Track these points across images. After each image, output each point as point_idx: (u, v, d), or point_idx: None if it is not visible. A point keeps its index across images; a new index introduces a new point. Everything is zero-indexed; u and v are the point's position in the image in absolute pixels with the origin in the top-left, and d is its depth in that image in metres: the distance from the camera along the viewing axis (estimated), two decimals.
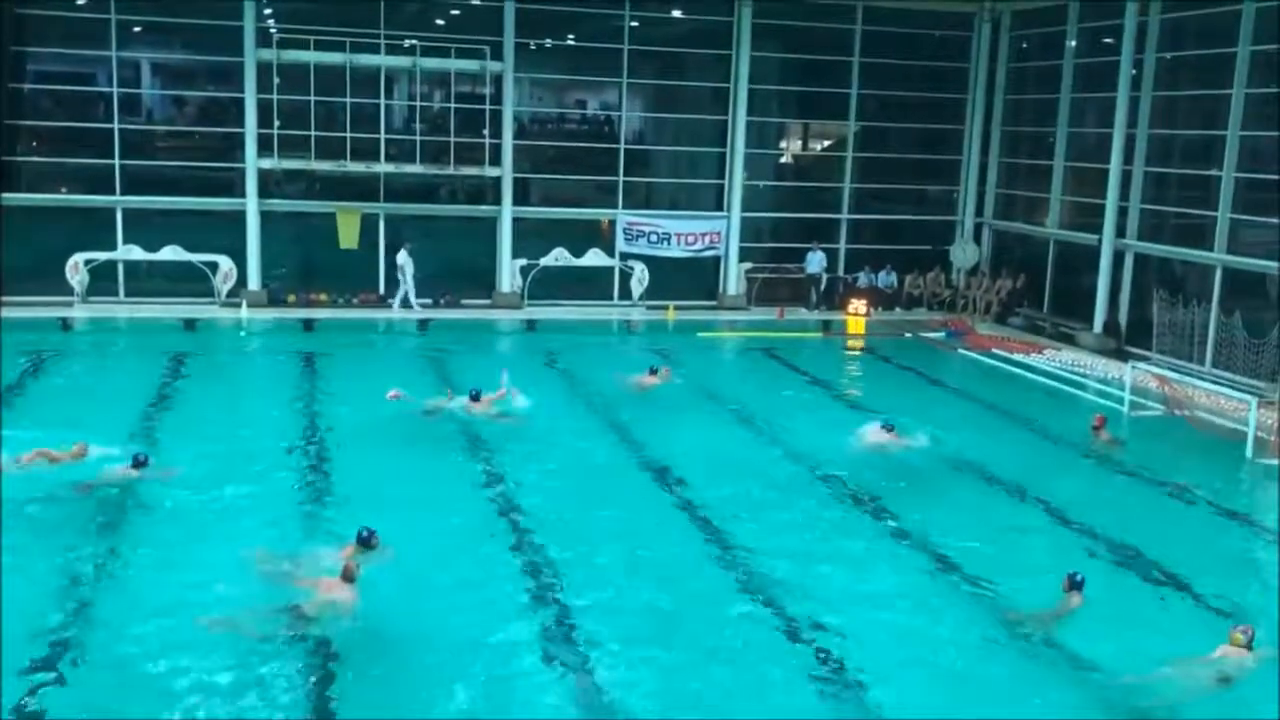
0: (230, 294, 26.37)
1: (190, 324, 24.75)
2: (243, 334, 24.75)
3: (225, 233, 26.48)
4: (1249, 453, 17.18)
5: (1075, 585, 11.64)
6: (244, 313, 25.57)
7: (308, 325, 25.19)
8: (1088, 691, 10.16)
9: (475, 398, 17.54)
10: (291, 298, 26.72)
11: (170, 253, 26.11)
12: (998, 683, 10.29)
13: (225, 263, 26.44)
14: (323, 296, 26.95)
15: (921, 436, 17.02)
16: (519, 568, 12.24)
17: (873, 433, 17.10)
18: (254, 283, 26.74)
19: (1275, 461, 16.95)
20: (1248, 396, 18.15)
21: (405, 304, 26.63)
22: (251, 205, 26.59)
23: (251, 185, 26.52)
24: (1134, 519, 14.15)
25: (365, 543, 11.75)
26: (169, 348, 21.90)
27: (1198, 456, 17.37)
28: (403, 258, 26.55)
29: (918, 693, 10.00)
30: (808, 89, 30.37)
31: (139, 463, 14.14)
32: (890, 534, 13.76)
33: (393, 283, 27.36)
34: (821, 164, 31.21)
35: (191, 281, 26.26)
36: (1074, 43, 27.45)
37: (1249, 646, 10.42)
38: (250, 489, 14.19)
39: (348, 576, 10.83)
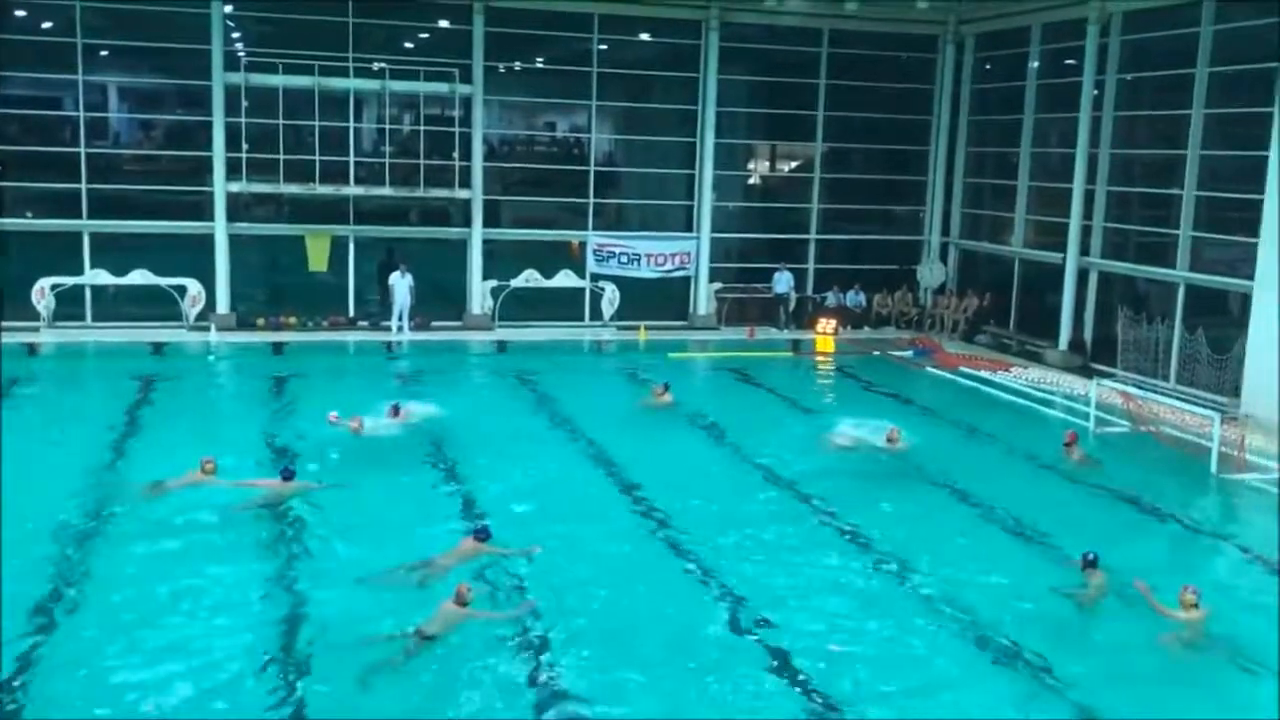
0: (199, 318, 26.24)
1: (158, 348, 24.59)
2: (211, 358, 24.62)
3: (193, 256, 26.35)
4: (1213, 468, 17.40)
5: (1090, 564, 12.47)
6: (213, 336, 25.45)
7: (277, 349, 25.09)
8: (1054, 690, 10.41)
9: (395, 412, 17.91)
10: (260, 321, 26.60)
11: (138, 277, 25.96)
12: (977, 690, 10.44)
13: (194, 286, 26.31)
14: (292, 320, 26.84)
15: (883, 437, 17.45)
16: (489, 574, 12.34)
17: (841, 436, 17.47)
18: (223, 306, 26.63)
19: (1240, 476, 17.19)
20: (1212, 412, 18.39)
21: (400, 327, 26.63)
22: (220, 229, 26.50)
23: (220, 208, 26.43)
24: (1099, 533, 14.22)
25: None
26: (137, 372, 21.76)
27: (1163, 472, 17.56)
28: (395, 278, 26.52)
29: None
30: (775, 111, 30.65)
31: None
32: (855, 547, 13.88)
33: (362, 304, 27.37)
34: (789, 185, 31.45)
35: (159, 305, 26.12)
36: (1037, 64, 27.84)
37: (1198, 605, 11.44)
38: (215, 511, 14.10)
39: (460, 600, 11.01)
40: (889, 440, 17.74)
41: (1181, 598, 11.55)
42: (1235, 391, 20.99)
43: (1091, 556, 12.60)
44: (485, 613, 11.24)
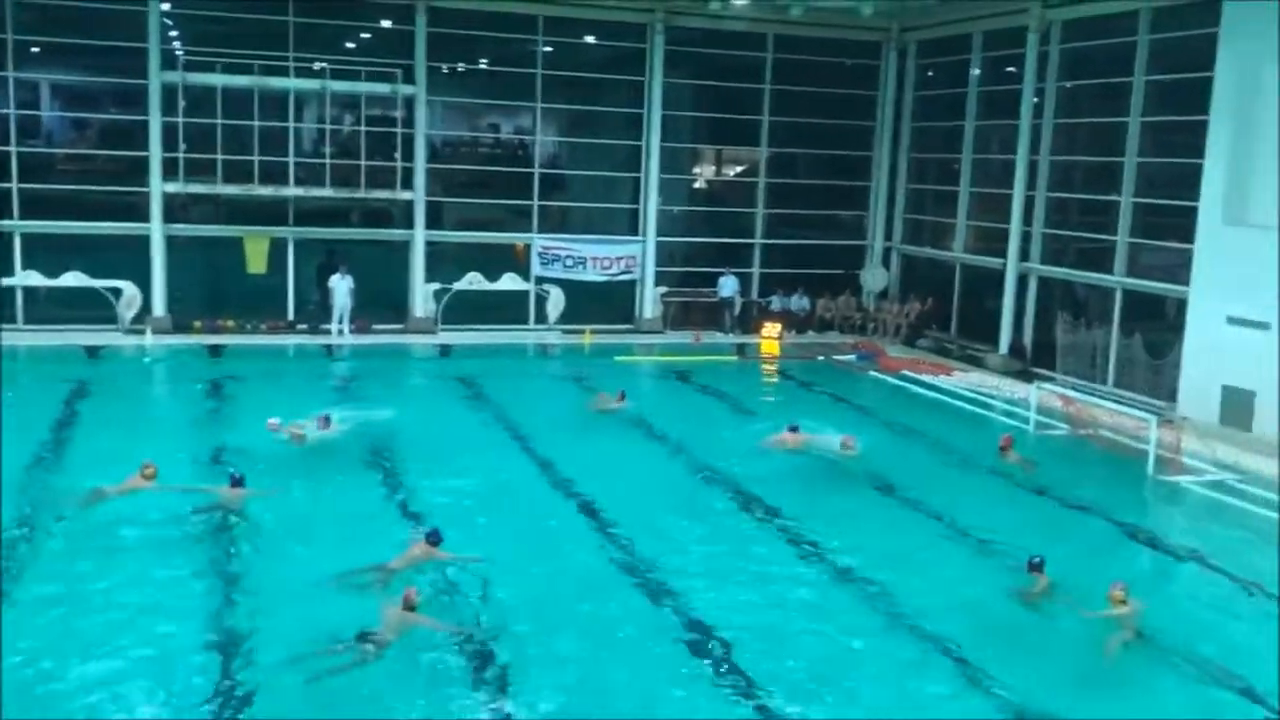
0: (135, 320, 25.75)
1: (93, 351, 24.07)
2: (147, 361, 24.16)
3: (129, 258, 25.86)
4: (1150, 470, 17.64)
5: (1035, 567, 12.59)
6: (148, 339, 24.98)
7: (214, 352, 24.67)
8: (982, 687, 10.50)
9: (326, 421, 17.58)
10: (198, 324, 26.12)
11: (72, 279, 25.41)
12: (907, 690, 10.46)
13: (129, 289, 25.82)
14: (230, 323, 26.40)
15: (831, 438, 17.61)
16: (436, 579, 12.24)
17: (781, 438, 17.60)
18: (159, 309, 26.16)
19: (1176, 478, 17.45)
20: (1148, 415, 18.65)
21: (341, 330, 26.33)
22: (156, 230, 26.04)
23: (156, 209, 25.97)
24: (1038, 533, 14.36)
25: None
26: (70, 376, 21.29)
27: (1101, 474, 17.79)
28: (336, 281, 26.18)
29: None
30: (720, 115, 30.69)
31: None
32: (795, 546, 13.96)
33: (302, 307, 27.04)
34: (735, 189, 31.53)
35: (94, 308, 25.57)
36: (978, 71, 28.15)
37: (1126, 600, 11.63)
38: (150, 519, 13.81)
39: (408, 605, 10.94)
40: (844, 447, 17.76)
41: (1110, 594, 11.76)
42: (1172, 395, 21.32)
43: (1037, 560, 12.72)
44: (432, 620, 11.09)
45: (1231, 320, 19.98)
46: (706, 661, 10.88)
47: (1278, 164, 19.46)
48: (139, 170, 26.06)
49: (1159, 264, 22.94)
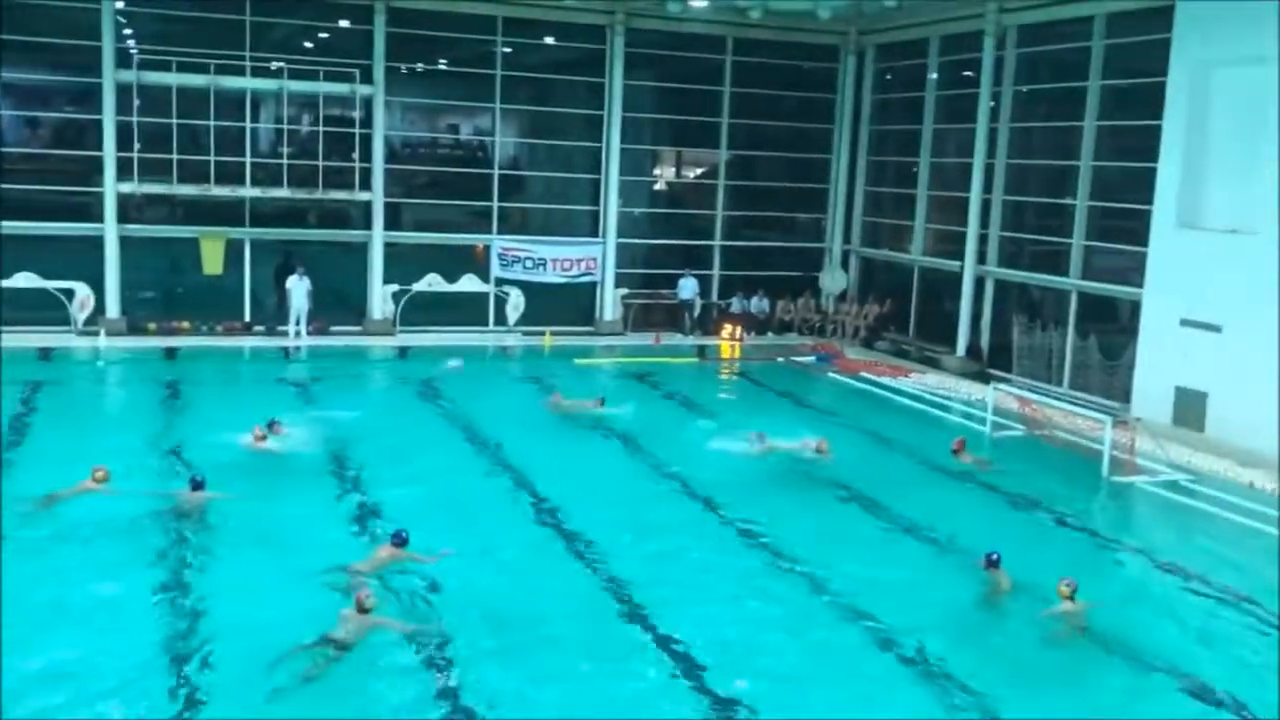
0: (88, 322, 25.42)
1: (45, 353, 23.73)
2: (101, 363, 23.84)
3: (83, 259, 25.53)
4: (1105, 471, 17.84)
5: (992, 563, 12.79)
6: (102, 341, 24.65)
7: (170, 354, 24.41)
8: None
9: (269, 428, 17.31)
10: (152, 326, 25.84)
11: (23, 279, 25.00)
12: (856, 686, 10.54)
13: (82, 290, 25.49)
14: (185, 324, 26.13)
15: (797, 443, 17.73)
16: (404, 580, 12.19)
17: (744, 443, 17.68)
18: (113, 310, 25.84)
19: (1130, 479, 17.65)
20: (1103, 416, 18.84)
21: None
22: (110, 230, 25.72)
23: (110, 210, 25.65)
24: (994, 533, 14.45)
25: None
26: (22, 378, 20.92)
27: (1056, 474, 17.95)
28: (293, 282, 25.96)
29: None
30: (680, 117, 30.74)
31: None
32: (753, 548, 14.00)
33: (259, 308, 26.82)
34: (695, 191, 31.60)
35: (47, 310, 25.18)
36: (935, 75, 28.35)
37: (1073, 598, 11.81)
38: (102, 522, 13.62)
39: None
40: (818, 450, 17.82)
41: (1058, 590, 11.95)
42: (1126, 396, 21.57)
43: (995, 556, 12.89)
44: (390, 620, 11.02)
45: (1184, 322, 20.24)
46: (663, 655, 10.90)
47: (1234, 168, 19.77)
48: (92, 170, 25.73)
49: (1113, 267, 23.20)
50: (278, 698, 9.69)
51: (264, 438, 16.94)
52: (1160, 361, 20.73)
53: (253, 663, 10.14)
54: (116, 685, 9.84)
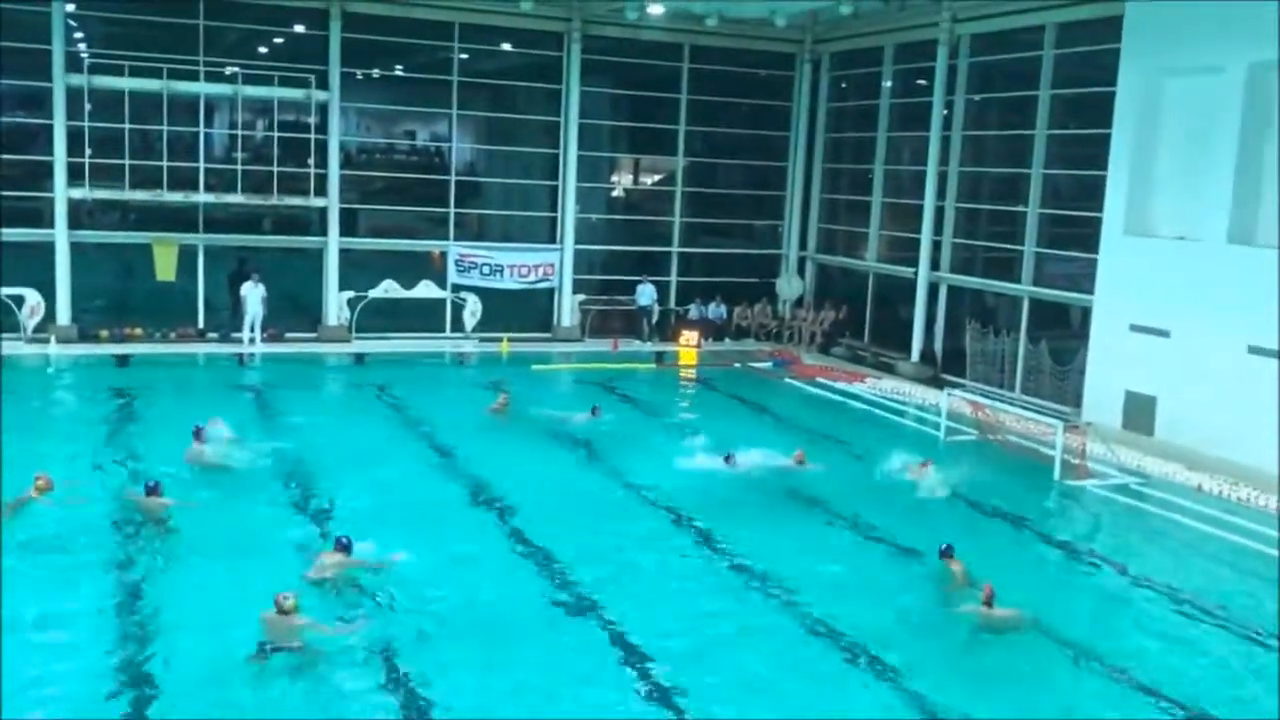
0: (38, 329, 25.08)
1: None
2: (51, 371, 23.52)
3: (32, 265, 25.16)
4: (1056, 474, 18.06)
5: (945, 554, 13.03)
6: (52, 349, 24.34)
7: (122, 361, 24.13)
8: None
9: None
10: (104, 333, 25.55)
11: None
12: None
13: (32, 296, 25.17)
14: (138, 331, 25.86)
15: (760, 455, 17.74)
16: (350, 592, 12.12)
17: (710, 461, 17.66)
18: (64, 317, 25.51)
19: (1082, 483, 17.88)
20: (1055, 421, 19.09)
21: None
22: (61, 237, 25.40)
23: (61, 216, 25.33)
24: (947, 535, 14.54)
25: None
26: None
27: (1009, 478, 18.14)
28: (247, 288, 25.74)
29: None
30: (638, 124, 30.84)
31: None
32: (709, 554, 14.07)
33: (213, 315, 26.59)
34: (652, 198, 31.68)
35: None
36: (890, 84, 28.60)
37: (990, 603, 11.92)
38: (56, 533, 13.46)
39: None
40: (796, 461, 17.86)
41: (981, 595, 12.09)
42: (1077, 401, 21.84)
43: (945, 547, 13.18)
44: (314, 622, 10.89)
45: (1134, 328, 20.53)
46: (618, 655, 10.97)
47: (1181, 176, 20.10)
48: (42, 175, 25.40)
49: (1064, 273, 23.50)
50: (225, 706, 9.66)
51: (202, 449, 16.72)
52: (1110, 366, 21.02)
53: (194, 672, 10.11)
54: (58, 697, 9.75)
